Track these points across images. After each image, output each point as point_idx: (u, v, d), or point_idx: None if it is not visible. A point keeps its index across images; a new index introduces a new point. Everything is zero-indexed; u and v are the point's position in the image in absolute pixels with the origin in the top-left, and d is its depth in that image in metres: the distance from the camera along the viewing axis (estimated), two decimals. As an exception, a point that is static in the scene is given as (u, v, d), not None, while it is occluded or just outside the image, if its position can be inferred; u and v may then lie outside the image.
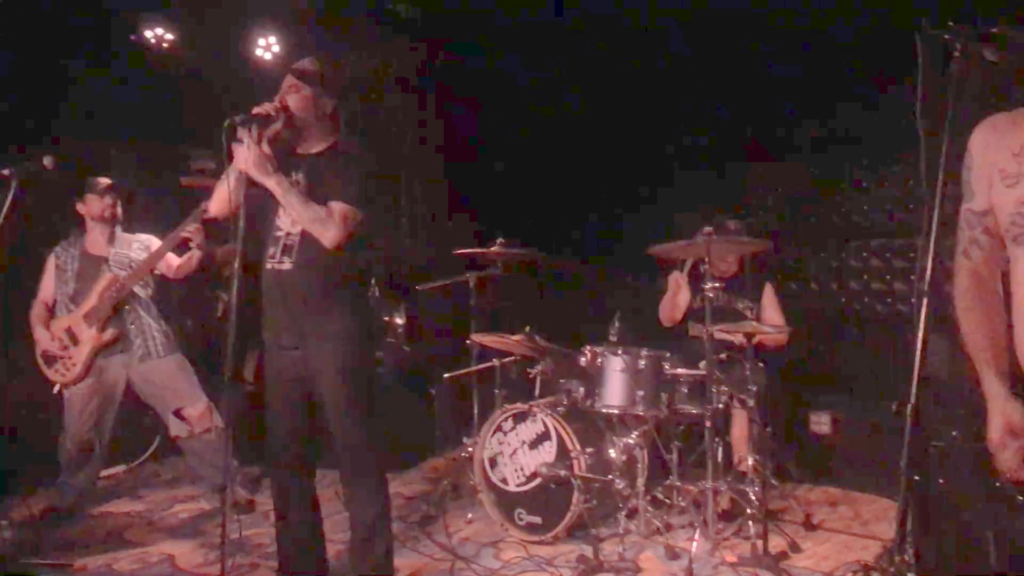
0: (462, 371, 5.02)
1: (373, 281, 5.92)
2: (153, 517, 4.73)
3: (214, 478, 4.35)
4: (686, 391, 4.23)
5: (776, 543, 3.94)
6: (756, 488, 4.11)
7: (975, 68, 1.60)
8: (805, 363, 5.18)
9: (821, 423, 5.11)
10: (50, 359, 4.55)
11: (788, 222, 5.95)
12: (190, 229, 4.47)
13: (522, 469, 4.25)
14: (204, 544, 4.23)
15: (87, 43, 5.47)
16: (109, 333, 4.52)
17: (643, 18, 5.67)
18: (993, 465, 1.83)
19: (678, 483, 4.21)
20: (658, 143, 6.18)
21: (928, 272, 1.54)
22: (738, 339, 4.52)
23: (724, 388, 4.17)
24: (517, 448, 4.29)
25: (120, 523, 4.63)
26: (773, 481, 4.56)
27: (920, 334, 1.53)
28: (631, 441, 4.25)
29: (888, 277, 5.51)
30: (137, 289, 4.61)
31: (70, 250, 4.69)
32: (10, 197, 3.62)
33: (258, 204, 3.14)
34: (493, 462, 4.35)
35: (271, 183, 3.02)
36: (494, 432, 4.37)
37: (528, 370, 4.72)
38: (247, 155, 2.98)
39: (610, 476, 4.13)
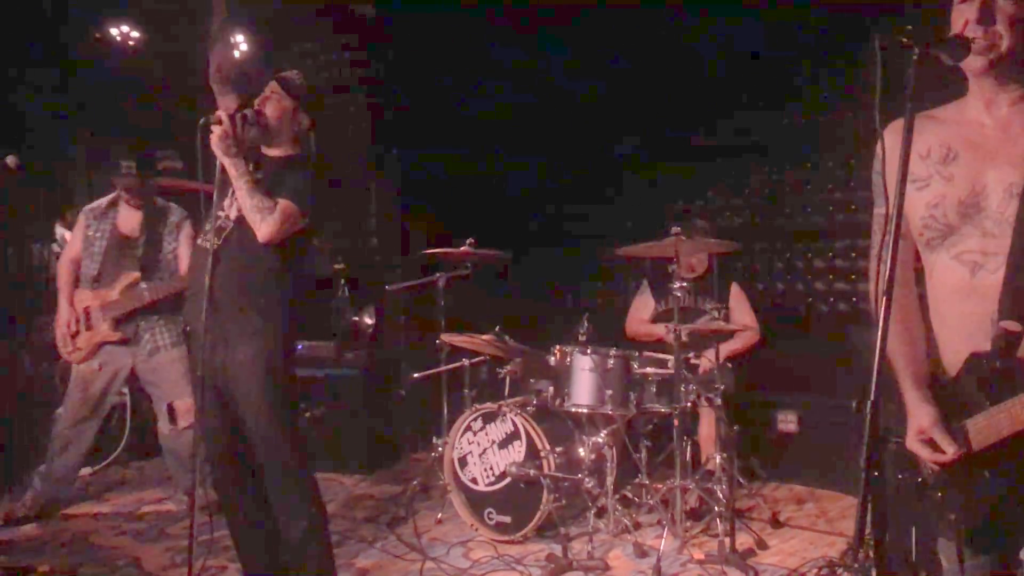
0: (431, 371, 5.02)
1: (343, 282, 5.92)
2: (119, 520, 4.67)
3: (188, 480, 4.31)
4: (654, 390, 4.26)
5: (743, 540, 3.99)
6: (723, 486, 4.15)
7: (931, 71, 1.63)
8: (772, 362, 5.23)
9: (788, 422, 5.16)
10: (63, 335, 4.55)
11: (755, 223, 6.02)
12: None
13: (492, 469, 4.26)
14: (171, 548, 4.19)
15: (49, 41, 5.40)
16: (120, 333, 4.50)
17: (600, 15, 5.74)
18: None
19: (647, 482, 4.24)
20: (615, 141, 6.26)
21: (888, 272, 1.57)
22: (708, 358, 4.54)
23: (692, 387, 4.21)
24: (487, 448, 4.30)
25: (86, 526, 4.56)
26: (740, 479, 4.62)
27: (879, 332, 1.55)
28: (600, 440, 4.27)
29: (853, 277, 5.65)
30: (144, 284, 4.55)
31: (102, 223, 4.60)
32: None
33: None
34: (463, 462, 4.36)
35: (228, 163, 3.05)
36: (464, 432, 4.38)
37: (497, 370, 4.74)
38: (218, 130, 3.01)
39: (579, 475, 4.14)
